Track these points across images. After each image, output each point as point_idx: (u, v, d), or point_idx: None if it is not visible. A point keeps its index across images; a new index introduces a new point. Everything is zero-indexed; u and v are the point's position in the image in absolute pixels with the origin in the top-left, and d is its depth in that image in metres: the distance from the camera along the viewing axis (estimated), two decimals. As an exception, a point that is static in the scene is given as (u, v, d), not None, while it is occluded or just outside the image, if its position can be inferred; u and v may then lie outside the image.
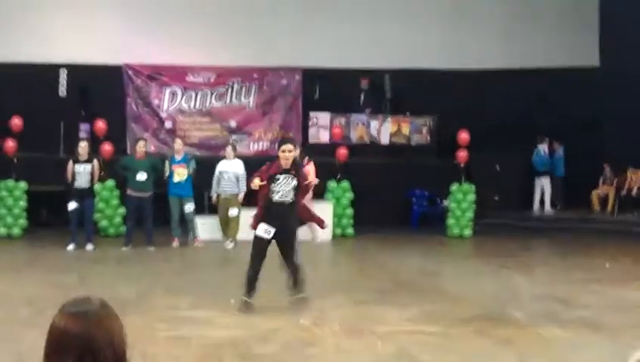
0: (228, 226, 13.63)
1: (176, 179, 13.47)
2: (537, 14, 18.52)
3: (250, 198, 13.92)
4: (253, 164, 13.64)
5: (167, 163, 13.66)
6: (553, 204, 17.78)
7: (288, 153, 8.24)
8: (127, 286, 9.48)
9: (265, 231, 8.20)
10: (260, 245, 8.27)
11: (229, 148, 14.13)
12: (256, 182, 8.14)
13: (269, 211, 8.24)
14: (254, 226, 8.38)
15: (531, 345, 7.16)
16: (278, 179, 8.20)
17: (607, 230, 16.01)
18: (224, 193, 13.67)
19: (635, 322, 8.17)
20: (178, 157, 13.69)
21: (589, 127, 17.55)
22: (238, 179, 13.58)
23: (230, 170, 13.65)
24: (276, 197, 8.21)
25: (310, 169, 13.84)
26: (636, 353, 1.88)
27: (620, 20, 17.85)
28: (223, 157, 14.11)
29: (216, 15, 17.52)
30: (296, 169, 8.39)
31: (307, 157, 13.66)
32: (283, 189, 8.21)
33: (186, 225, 13.67)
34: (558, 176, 17.80)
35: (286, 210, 8.25)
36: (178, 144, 13.94)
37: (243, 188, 13.44)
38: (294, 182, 8.24)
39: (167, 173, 13.52)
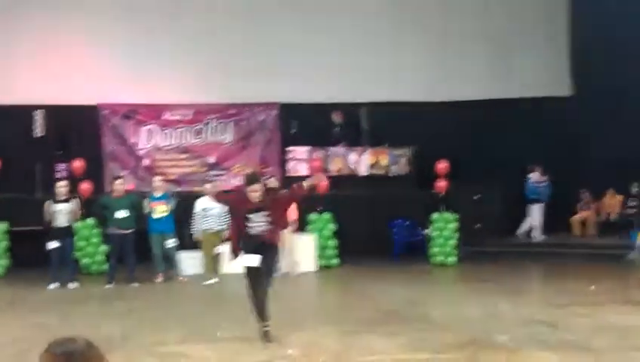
0: (214, 262, 13.57)
1: (156, 216, 13.40)
2: (512, 47, 18.77)
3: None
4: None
5: (145, 201, 13.60)
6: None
7: (254, 193, 8.21)
8: (111, 323, 9.36)
9: (251, 259, 8.18)
10: (253, 273, 8.22)
11: (210, 186, 14.07)
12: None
13: (249, 243, 8.24)
14: (236, 254, 8.42)
15: (521, 369, 7.14)
16: (250, 218, 8.22)
17: (588, 254, 16.12)
18: (210, 229, 13.63)
19: (622, 344, 8.19)
20: (157, 194, 13.64)
21: (565, 154, 17.76)
22: (220, 216, 13.54)
23: (214, 206, 13.52)
24: (252, 231, 8.24)
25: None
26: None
27: (590, 48, 18.16)
28: (201, 194, 14.04)
29: (192, 52, 17.57)
30: (269, 199, 8.37)
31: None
32: (258, 222, 8.23)
33: (169, 261, 13.57)
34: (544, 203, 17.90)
35: (265, 239, 8.25)
36: (157, 181, 13.91)
37: (224, 225, 13.42)
38: (267, 214, 8.24)
39: (146, 210, 13.45)
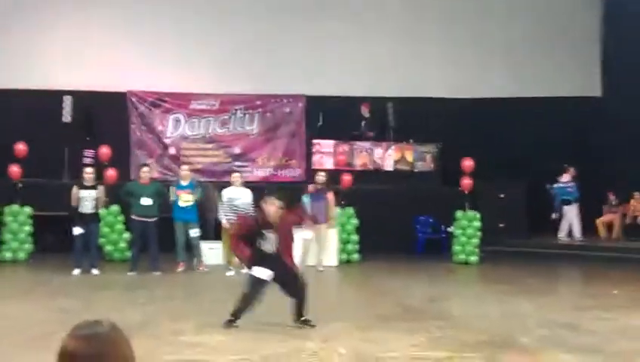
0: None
1: (181, 204, 13.46)
2: (542, 44, 18.64)
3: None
4: (256, 191, 13.85)
5: (171, 188, 13.67)
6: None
7: (272, 206, 8.31)
8: (132, 310, 9.42)
9: (266, 274, 8.26)
10: (258, 287, 8.31)
11: (237, 175, 14.11)
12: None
13: (262, 258, 8.31)
14: (248, 265, 8.47)
15: (540, 371, 7.08)
16: (263, 235, 8.29)
17: (613, 257, 15.96)
18: (233, 220, 13.65)
19: (642, 348, 8.11)
20: (184, 183, 13.69)
21: (593, 154, 17.61)
22: (247, 208, 13.55)
23: (239, 197, 13.60)
24: (264, 248, 8.32)
25: (331, 197, 13.97)
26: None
27: (622, 51, 17.96)
28: (228, 184, 14.09)
29: (220, 42, 17.64)
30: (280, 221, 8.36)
31: (329, 187, 14.15)
32: (270, 242, 8.30)
33: (191, 250, 13.61)
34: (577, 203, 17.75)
35: (278, 255, 8.33)
36: (184, 170, 13.97)
37: None
38: (274, 236, 8.32)
39: (172, 198, 13.51)
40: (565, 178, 17.65)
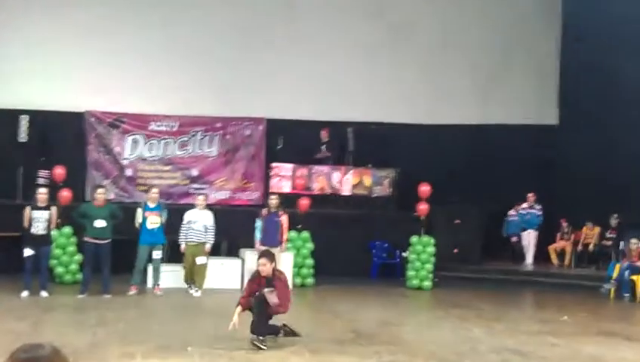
0: (195, 274, 13.66)
1: (149, 226, 13.41)
2: (499, 73, 18.92)
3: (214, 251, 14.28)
4: (214, 213, 13.90)
5: (139, 210, 13.62)
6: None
7: (263, 267, 9.02)
8: (81, 333, 9.32)
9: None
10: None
11: (201, 198, 14.20)
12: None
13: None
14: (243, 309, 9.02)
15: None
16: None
17: (564, 283, 16.20)
18: (192, 242, 13.69)
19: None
20: (152, 205, 13.63)
21: (548, 182, 17.90)
22: (206, 230, 13.70)
23: (199, 219, 13.73)
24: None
25: (284, 220, 14.03)
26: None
27: (578, 82, 18.33)
28: (191, 206, 14.19)
29: (181, 65, 17.62)
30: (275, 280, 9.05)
31: (282, 210, 14.20)
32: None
33: (155, 272, 13.62)
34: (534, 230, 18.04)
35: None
36: (154, 192, 13.87)
37: (211, 240, 13.72)
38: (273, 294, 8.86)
39: (139, 220, 13.48)
40: (524, 205, 17.91)
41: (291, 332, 9.25)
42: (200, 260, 13.63)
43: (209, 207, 14.37)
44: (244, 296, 9.10)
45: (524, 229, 17.99)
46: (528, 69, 19.13)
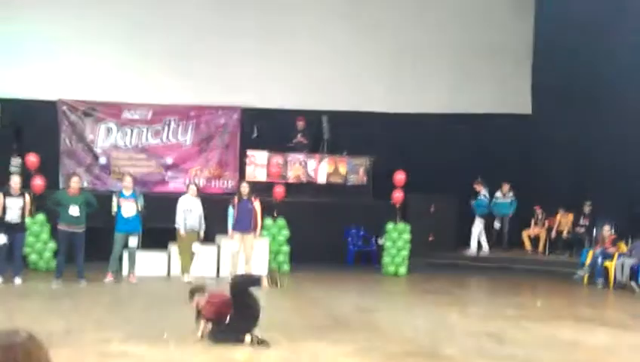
0: (190, 260, 13.83)
1: (124, 214, 13.36)
2: (475, 62, 18.95)
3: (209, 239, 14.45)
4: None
5: (114, 198, 13.58)
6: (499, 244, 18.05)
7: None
8: (56, 320, 9.24)
9: None
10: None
11: (193, 187, 14.41)
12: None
13: None
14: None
15: (464, 380, 7.20)
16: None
17: (538, 270, 16.37)
18: (190, 229, 13.85)
19: (566, 358, 8.32)
20: (127, 193, 13.59)
21: (523, 170, 18.03)
22: (200, 218, 14.03)
23: (194, 208, 13.96)
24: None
25: (257, 206, 14.05)
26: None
27: (551, 71, 18.45)
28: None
29: (154, 52, 17.46)
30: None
31: (254, 195, 14.21)
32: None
33: (130, 259, 13.62)
34: (505, 216, 18.04)
35: None
36: (127, 180, 13.85)
37: (203, 228, 14.06)
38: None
39: (114, 208, 13.46)
40: (498, 193, 17.97)
41: (260, 342, 8.60)
42: (196, 247, 13.86)
43: (178, 195, 14.51)
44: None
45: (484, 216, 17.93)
46: (503, 59, 19.20)
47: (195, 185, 14.78)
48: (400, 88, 18.47)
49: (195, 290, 8.95)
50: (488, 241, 17.88)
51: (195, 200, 14.09)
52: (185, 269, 13.86)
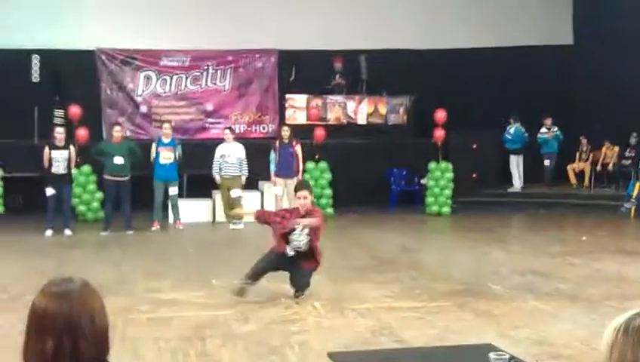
0: (231, 207, 13.66)
1: (162, 161, 13.47)
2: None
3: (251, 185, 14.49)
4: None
5: (153, 145, 13.69)
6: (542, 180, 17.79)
7: (304, 200, 8.04)
8: (106, 270, 9.43)
9: (290, 249, 7.96)
10: (275, 259, 7.96)
11: (227, 132, 14.39)
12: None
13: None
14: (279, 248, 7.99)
15: (512, 318, 7.22)
16: (294, 230, 7.91)
17: (583, 204, 16.18)
18: (227, 175, 13.85)
19: (611, 293, 8.28)
20: (165, 141, 13.70)
21: (565, 103, 17.72)
22: (240, 162, 13.89)
23: (232, 153, 13.91)
24: (290, 247, 7.92)
25: (298, 150, 14.07)
26: (613, 322, 1.91)
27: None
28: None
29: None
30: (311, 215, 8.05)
31: (295, 140, 14.24)
32: (296, 241, 7.92)
33: (173, 208, 13.71)
34: (553, 153, 17.72)
35: (301, 256, 7.98)
36: (166, 128, 13.95)
37: (245, 172, 13.92)
38: (307, 231, 7.94)
39: (153, 155, 13.55)
40: (542, 129, 17.62)
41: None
42: (235, 193, 13.77)
43: (222, 140, 14.43)
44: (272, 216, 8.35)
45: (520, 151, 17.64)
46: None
47: (231, 129, 14.73)
48: (437, 24, 18.18)
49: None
50: (542, 179, 17.59)
51: (232, 146, 14.01)
52: (227, 215, 13.83)
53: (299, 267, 8.00)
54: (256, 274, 7.95)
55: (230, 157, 13.90)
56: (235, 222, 13.64)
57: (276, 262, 7.97)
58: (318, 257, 8.13)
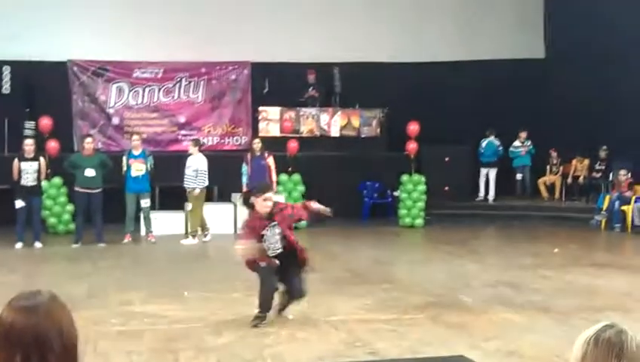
0: (190, 219, 13.79)
1: (133, 173, 13.38)
2: (485, 8, 18.72)
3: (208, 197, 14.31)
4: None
5: (124, 158, 13.58)
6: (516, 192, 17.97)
7: (270, 201, 7.69)
8: (77, 283, 9.33)
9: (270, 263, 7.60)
10: (269, 274, 7.59)
11: (190, 143, 14.40)
12: (240, 251, 7.57)
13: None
14: (251, 267, 7.69)
15: (483, 329, 7.24)
16: (264, 236, 7.57)
17: (555, 216, 16.33)
18: (187, 187, 13.79)
19: (582, 305, 8.32)
20: (136, 153, 13.60)
21: (535, 117, 17.87)
22: (197, 174, 13.68)
23: (191, 165, 13.78)
24: (270, 253, 7.59)
25: (271, 162, 14.05)
26: (584, 334, 1.92)
27: (564, 13, 18.16)
28: (181, 153, 14.31)
29: (163, 10, 17.33)
30: (277, 212, 7.68)
31: (267, 152, 14.24)
32: (271, 243, 7.58)
33: (145, 220, 13.64)
34: (526, 166, 17.94)
35: (283, 257, 7.65)
36: (135, 140, 13.84)
37: (201, 184, 13.67)
38: (278, 230, 7.59)
39: (124, 168, 13.45)
40: (516, 143, 17.82)
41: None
42: (186, 207, 13.73)
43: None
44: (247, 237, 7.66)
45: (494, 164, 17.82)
46: (515, 4, 18.94)
47: (196, 141, 14.59)
48: (411, 37, 18.29)
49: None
50: (514, 192, 17.77)
51: (194, 158, 13.83)
52: (193, 228, 13.65)
53: (291, 275, 7.66)
54: (268, 301, 7.54)
55: (189, 169, 13.73)
56: (202, 234, 13.58)
57: (271, 274, 7.56)
58: (303, 254, 7.77)
